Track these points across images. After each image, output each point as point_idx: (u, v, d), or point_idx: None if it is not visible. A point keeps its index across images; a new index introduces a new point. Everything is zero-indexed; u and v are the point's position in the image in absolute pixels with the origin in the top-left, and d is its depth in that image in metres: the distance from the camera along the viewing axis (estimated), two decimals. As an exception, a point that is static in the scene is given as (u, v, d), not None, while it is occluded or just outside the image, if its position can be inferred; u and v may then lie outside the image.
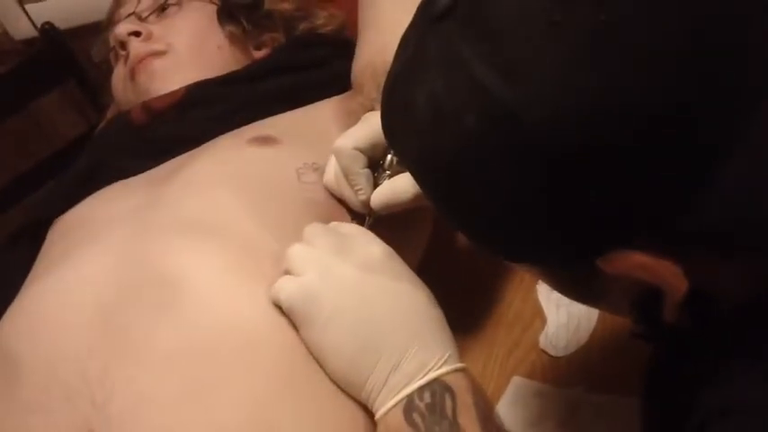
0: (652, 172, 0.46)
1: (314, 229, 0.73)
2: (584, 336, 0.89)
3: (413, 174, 0.57)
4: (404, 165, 0.60)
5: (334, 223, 0.76)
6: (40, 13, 1.70)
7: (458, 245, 1.02)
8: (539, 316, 0.93)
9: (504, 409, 0.84)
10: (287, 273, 0.71)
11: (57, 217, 0.95)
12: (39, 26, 1.63)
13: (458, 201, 0.53)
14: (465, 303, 0.91)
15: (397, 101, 0.55)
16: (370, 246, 0.72)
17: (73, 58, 1.64)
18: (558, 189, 0.47)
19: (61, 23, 1.64)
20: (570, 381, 0.85)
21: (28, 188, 1.63)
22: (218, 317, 0.70)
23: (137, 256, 0.75)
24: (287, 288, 0.69)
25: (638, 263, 0.48)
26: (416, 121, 0.52)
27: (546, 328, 0.91)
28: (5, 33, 1.79)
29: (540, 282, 0.95)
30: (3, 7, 1.76)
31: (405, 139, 0.55)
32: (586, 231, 0.49)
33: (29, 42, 1.79)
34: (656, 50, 0.45)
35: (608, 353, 0.87)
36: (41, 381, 0.70)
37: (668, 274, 0.49)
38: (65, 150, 1.69)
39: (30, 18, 1.73)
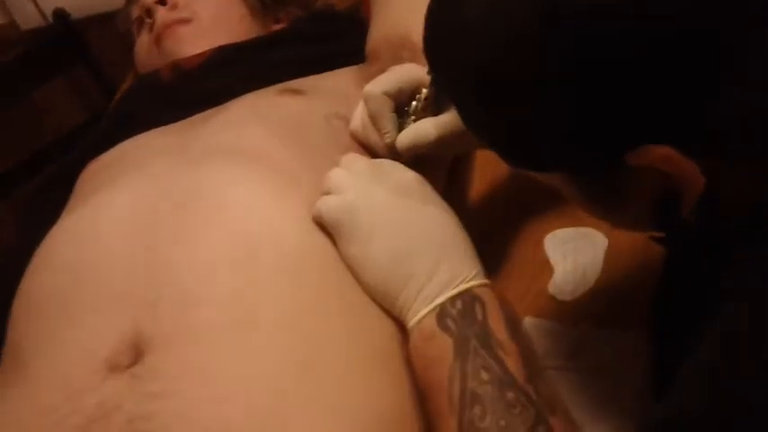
0: (682, 69, 0.51)
1: (352, 156, 0.78)
2: (589, 281, 0.94)
3: (453, 89, 0.61)
4: (445, 78, 0.63)
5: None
6: (51, 2, 1.75)
7: (471, 201, 1.07)
8: (547, 267, 0.98)
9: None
10: (326, 193, 0.76)
11: (87, 162, 1.00)
12: (49, 14, 1.68)
13: (499, 105, 0.57)
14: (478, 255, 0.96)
15: (445, 10, 0.58)
16: (404, 172, 0.77)
17: (83, 44, 1.69)
18: (591, 87, 0.52)
19: (73, 12, 1.70)
20: (577, 319, 0.91)
21: (32, 173, 1.67)
22: (260, 228, 0.75)
23: (180, 176, 0.80)
24: (329, 203, 0.74)
25: (664, 155, 0.53)
26: (466, 26, 0.56)
27: (554, 276, 0.96)
28: (13, 23, 1.84)
29: (547, 236, 1.01)
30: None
31: (449, 48, 0.59)
32: (621, 125, 0.53)
33: (35, 32, 1.83)
34: None
35: (612, 295, 0.92)
36: (90, 284, 0.74)
37: (689, 169, 0.54)
38: (69, 135, 1.73)
39: (38, 7, 1.78)
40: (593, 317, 0.90)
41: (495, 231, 1.04)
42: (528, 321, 0.92)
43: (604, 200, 0.63)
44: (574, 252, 0.98)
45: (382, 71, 0.99)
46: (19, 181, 1.66)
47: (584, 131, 0.55)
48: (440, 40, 0.61)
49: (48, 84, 1.71)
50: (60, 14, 1.67)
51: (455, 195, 1.01)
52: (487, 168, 1.12)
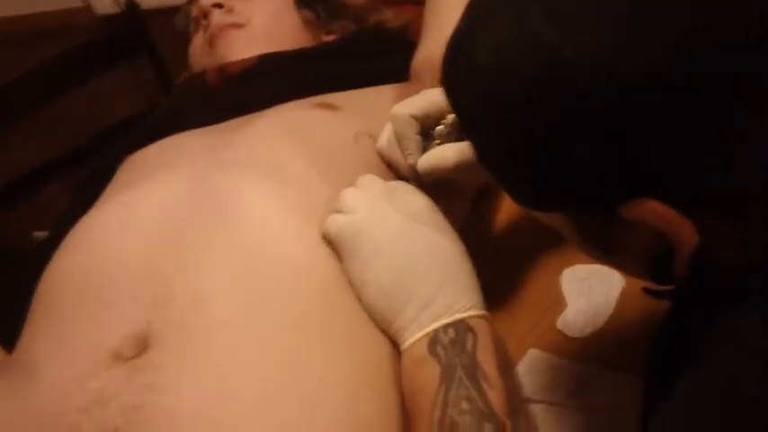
0: (678, 131, 0.52)
1: (367, 177, 0.80)
2: (599, 322, 0.95)
3: (466, 125, 0.63)
4: (457, 112, 0.65)
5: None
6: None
7: (493, 231, 1.09)
8: (559, 302, 0.99)
9: (518, 375, 0.90)
10: (337, 211, 0.78)
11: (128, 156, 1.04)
12: (122, 2, 1.74)
13: (502, 148, 0.59)
14: (493, 285, 0.97)
15: (461, 52, 0.60)
16: (417, 197, 0.79)
17: (149, 37, 1.74)
18: (593, 140, 0.53)
19: (143, 2, 1.75)
20: (583, 358, 0.91)
21: (87, 159, 1.72)
22: (268, 240, 0.78)
23: (205, 182, 0.84)
24: (338, 221, 0.77)
25: (655, 211, 0.54)
26: (477, 71, 0.58)
27: (565, 312, 0.97)
28: (89, 7, 1.90)
29: (564, 271, 1.02)
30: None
31: (463, 88, 0.61)
32: (614, 180, 0.55)
33: (108, 19, 1.90)
34: (692, 21, 0.51)
35: (621, 338, 0.92)
36: (110, 277, 0.78)
37: (682, 228, 0.54)
38: (126, 125, 1.78)
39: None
40: (599, 357, 0.91)
41: (514, 260, 1.05)
42: (533, 353, 0.93)
43: (600, 245, 0.64)
44: (588, 291, 0.99)
45: (420, 91, 1.01)
46: (74, 165, 1.72)
47: (578, 179, 0.56)
48: (451, 80, 0.63)
49: (112, 71, 1.76)
50: (131, 4, 1.72)
51: (476, 226, 1.02)
52: (512, 201, 1.13)
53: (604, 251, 0.65)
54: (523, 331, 0.96)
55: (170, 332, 0.72)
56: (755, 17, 0.51)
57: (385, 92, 1.07)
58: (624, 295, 0.97)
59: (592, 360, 0.90)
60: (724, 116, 0.51)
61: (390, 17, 1.27)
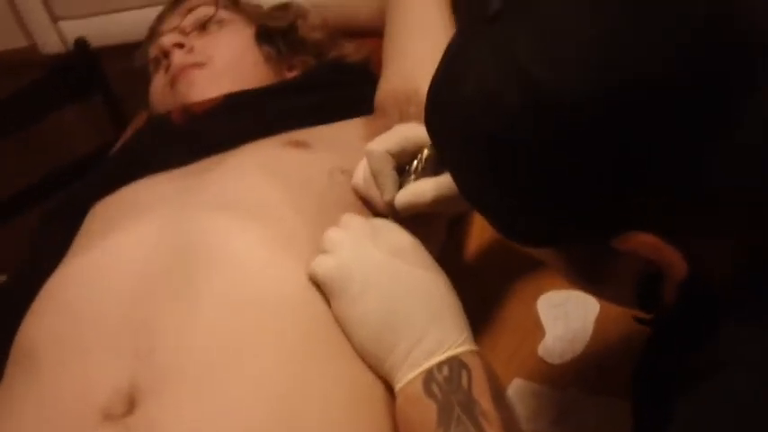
0: (667, 159, 0.53)
1: (349, 217, 0.80)
2: (579, 347, 0.96)
3: (451, 158, 0.63)
4: (442, 149, 0.65)
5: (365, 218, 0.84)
6: (74, 29, 1.78)
7: (467, 258, 1.09)
8: (538, 328, 1.00)
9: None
10: (322, 252, 0.78)
11: (94, 201, 1.02)
12: (70, 41, 1.71)
13: (492, 184, 0.59)
14: (470, 313, 0.98)
15: (446, 89, 0.61)
16: (400, 235, 0.80)
17: (102, 74, 1.72)
18: (584, 172, 0.54)
19: (93, 41, 1.73)
20: (565, 384, 0.92)
21: (37, 198, 1.70)
22: (257, 284, 0.77)
23: (181, 226, 0.83)
24: (324, 263, 0.77)
25: (647, 242, 0.55)
26: (464, 107, 0.58)
27: (544, 339, 0.98)
28: (34, 46, 1.87)
29: (540, 297, 1.03)
30: (34, 21, 1.84)
31: (449, 125, 0.61)
32: (606, 213, 0.56)
33: (56, 58, 1.87)
34: (676, 47, 0.52)
35: (600, 362, 0.94)
36: (89, 331, 0.77)
37: (672, 257, 0.56)
38: (79, 163, 1.76)
39: (60, 33, 1.82)
40: (580, 382, 0.92)
41: (489, 289, 1.06)
42: (516, 383, 0.93)
43: (589, 275, 0.65)
44: (565, 316, 1.00)
45: (388, 125, 1.02)
46: (27, 205, 1.69)
47: (572, 213, 0.57)
48: (437, 118, 0.63)
49: (62, 110, 1.74)
50: (81, 43, 1.70)
51: (452, 253, 1.03)
52: (485, 226, 1.14)
53: (593, 281, 0.66)
54: (504, 359, 0.97)
55: (159, 384, 0.71)
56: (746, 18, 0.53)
57: (352, 126, 1.08)
58: (600, 319, 0.98)
59: (574, 386, 0.92)
60: (719, 127, 0.52)
61: (351, 51, 1.27)
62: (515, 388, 0.93)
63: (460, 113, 0.59)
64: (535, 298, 1.03)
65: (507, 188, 0.58)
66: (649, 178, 0.54)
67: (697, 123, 0.52)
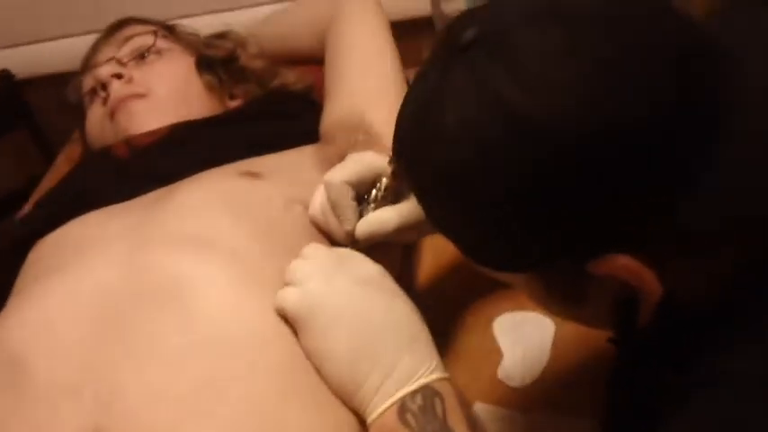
0: (645, 184, 0.54)
1: (313, 247, 0.79)
2: (538, 369, 0.97)
3: (425, 194, 0.63)
4: (416, 184, 0.64)
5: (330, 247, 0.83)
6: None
7: (420, 285, 1.09)
8: (495, 352, 1.00)
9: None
10: (288, 284, 0.77)
11: (35, 239, 0.98)
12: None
13: (470, 214, 0.59)
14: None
15: (421, 122, 0.60)
16: (366, 264, 0.79)
17: (26, 107, 1.67)
18: (565, 198, 0.54)
19: (18, 72, 1.68)
20: (527, 407, 0.92)
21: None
22: (223, 322, 0.75)
23: (140, 264, 0.80)
24: (291, 296, 0.75)
25: (624, 265, 0.56)
26: (442, 139, 0.58)
27: (502, 362, 0.98)
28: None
29: (496, 320, 1.03)
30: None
31: (425, 158, 0.60)
32: (585, 237, 0.56)
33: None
34: (651, 81, 0.54)
35: (561, 382, 0.94)
36: (45, 378, 0.73)
37: (648, 279, 0.57)
38: (6, 199, 1.70)
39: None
40: (543, 404, 0.92)
41: (443, 315, 1.06)
42: (479, 407, 0.93)
43: (563, 299, 0.66)
44: (522, 339, 1.00)
45: (338, 153, 1.01)
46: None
47: (550, 239, 0.57)
48: (411, 150, 0.62)
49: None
50: (5, 75, 1.65)
51: (404, 281, 1.03)
52: (436, 252, 1.15)
53: (567, 305, 0.67)
54: (464, 384, 0.96)
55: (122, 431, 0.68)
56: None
57: (301, 155, 1.07)
58: (557, 339, 0.99)
59: (537, 408, 0.92)
60: (695, 151, 0.54)
61: (293, 79, 1.26)
62: (478, 412, 0.92)
63: (439, 143, 0.58)
64: (490, 321, 1.04)
65: (485, 216, 0.58)
66: (625, 210, 0.55)
67: (667, 169, 0.54)
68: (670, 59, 0.54)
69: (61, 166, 1.46)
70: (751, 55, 0.57)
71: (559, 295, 0.65)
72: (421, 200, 0.64)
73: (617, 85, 0.53)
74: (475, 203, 0.58)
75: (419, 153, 0.61)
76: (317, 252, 0.79)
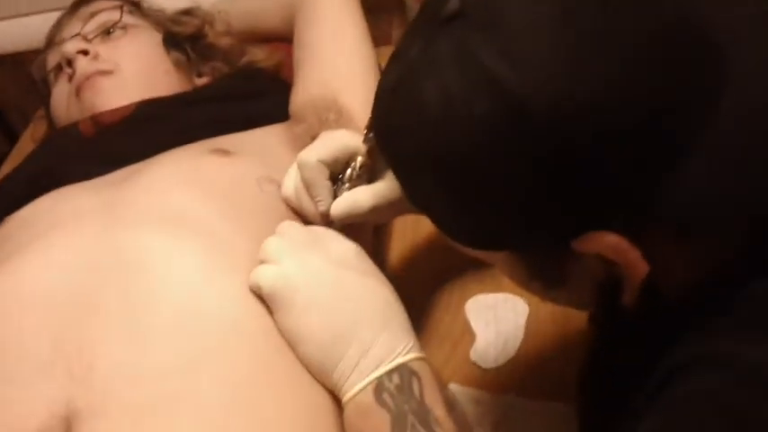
0: (631, 161, 0.53)
1: (288, 224, 0.78)
2: (511, 350, 0.96)
3: (405, 171, 0.61)
4: (394, 162, 0.63)
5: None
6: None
7: (391, 268, 1.08)
8: (468, 332, 0.99)
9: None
10: (263, 262, 0.75)
11: (2, 216, 0.96)
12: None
13: (453, 191, 0.58)
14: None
15: (402, 98, 0.58)
16: (342, 242, 0.77)
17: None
18: (551, 174, 0.53)
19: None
20: (501, 388, 0.92)
21: None
22: (194, 301, 0.73)
23: (110, 242, 0.78)
24: (267, 274, 0.73)
25: (609, 243, 0.55)
26: (426, 115, 0.56)
27: (475, 344, 0.98)
28: None
29: (468, 301, 1.02)
30: None
31: (406, 135, 0.59)
32: (570, 214, 0.55)
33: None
34: (642, 57, 0.52)
35: (535, 364, 0.94)
36: (13, 355, 0.71)
37: (633, 257, 0.56)
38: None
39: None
40: (518, 386, 0.92)
41: (415, 296, 1.04)
42: (453, 388, 0.92)
43: (545, 279, 0.64)
44: (495, 320, 1.00)
45: (308, 132, 1.00)
46: None
47: (534, 215, 0.56)
48: (389, 126, 0.61)
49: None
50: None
51: (376, 259, 1.01)
52: (407, 231, 1.14)
53: (549, 285, 0.66)
54: (438, 365, 0.96)
55: (95, 409, 0.67)
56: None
57: (272, 133, 1.05)
58: (531, 321, 0.98)
59: (511, 390, 0.91)
60: (682, 132, 0.53)
61: (262, 57, 1.24)
62: (452, 394, 0.92)
63: (420, 120, 0.57)
64: (461, 303, 1.03)
65: (467, 195, 0.57)
66: (612, 188, 0.53)
67: (654, 147, 0.53)
68: (661, 36, 0.53)
69: (25, 144, 1.43)
70: (743, 37, 0.56)
71: (539, 275, 0.64)
72: (399, 178, 0.63)
73: (608, 59, 0.52)
74: (457, 182, 0.57)
75: (398, 130, 0.60)
76: (292, 229, 0.77)
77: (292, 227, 0.78)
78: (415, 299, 1.04)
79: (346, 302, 0.73)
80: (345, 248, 0.77)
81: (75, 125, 1.05)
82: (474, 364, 0.96)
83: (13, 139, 1.61)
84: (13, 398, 0.69)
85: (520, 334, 0.97)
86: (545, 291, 0.67)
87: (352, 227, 0.86)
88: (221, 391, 0.69)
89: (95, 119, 1.04)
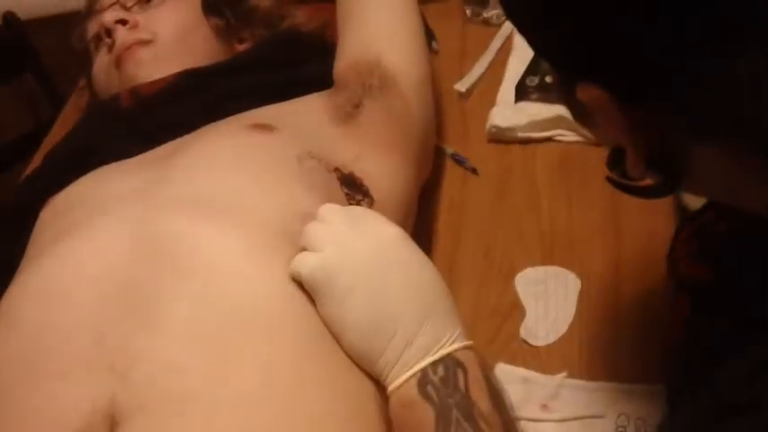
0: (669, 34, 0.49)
1: (329, 208, 0.75)
2: (562, 327, 0.93)
3: None
4: None
5: (345, 207, 0.79)
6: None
7: (436, 242, 1.05)
8: (517, 308, 0.97)
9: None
10: (304, 249, 0.73)
11: (45, 198, 0.95)
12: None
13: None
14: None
15: None
16: (385, 225, 0.75)
17: (32, 50, 1.63)
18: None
19: (22, 14, 1.63)
20: (551, 367, 0.89)
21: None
22: (238, 289, 0.72)
23: (152, 228, 0.76)
24: (308, 263, 0.71)
25: (593, 96, 0.53)
26: None
27: (525, 320, 0.95)
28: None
29: (517, 275, 0.99)
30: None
31: None
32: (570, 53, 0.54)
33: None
34: None
35: (586, 343, 0.91)
36: (57, 349, 0.70)
37: (614, 118, 0.54)
38: (16, 143, 1.67)
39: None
40: (568, 365, 0.89)
41: (462, 269, 1.02)
42: (501, 368, 0.90)
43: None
44: (545, 295, 0.97)
45: (350, 101, 0.98)
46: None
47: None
48: None
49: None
50: (9, 19, 1.60)
51: (419, 236, 0.99)
52: (453, 206, 1.11)
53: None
54: (484, 343, 0.93)
55: (139, 405, 0.66)
56: None
57: (314, 104, 1.02)
58: (582, 296, 0.95)
59: (561, 369, 0.89)
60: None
61: (303, 20, 1.21)
62: (501, 373, 0.89)
63: None
64: (510, 277, 1.00)
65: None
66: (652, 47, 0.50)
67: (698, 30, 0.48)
68: None
69: (70, 114, 1.42)
70: None
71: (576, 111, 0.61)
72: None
73: None
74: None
75: None
76: (334, 215, 0.75)
77: (333, 212, 0.75)
78: (463, 273, 1.02)
79: (389, 289, 0.71)
80: (389, 233, 0.74)
81: (115, 98, 1.04)
82: (523, 340, 0.93)
83: (57, 102, 1.60)
84: (57, 392, 0.68)
85: (571, 310, 0.94)
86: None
87: (391, 205, 0.83)
88: (262, 381, 0.67)
89: (135, 91, 1.03)
